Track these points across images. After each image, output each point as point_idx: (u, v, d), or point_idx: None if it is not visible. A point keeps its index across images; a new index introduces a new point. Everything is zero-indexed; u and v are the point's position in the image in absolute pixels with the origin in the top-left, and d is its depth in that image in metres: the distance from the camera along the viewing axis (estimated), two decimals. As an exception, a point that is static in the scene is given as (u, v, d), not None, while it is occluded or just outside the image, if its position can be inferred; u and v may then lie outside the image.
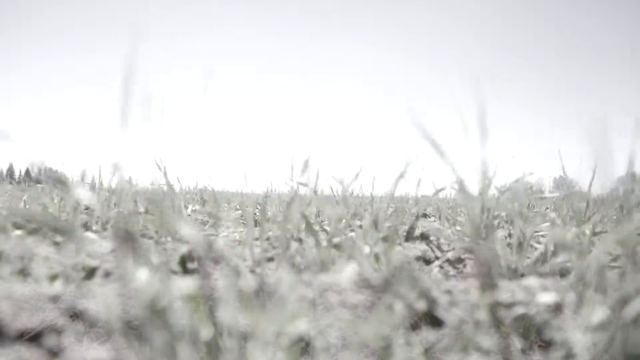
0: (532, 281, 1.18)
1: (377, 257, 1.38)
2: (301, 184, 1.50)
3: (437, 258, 1.80)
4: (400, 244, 1.81)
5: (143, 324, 0.52)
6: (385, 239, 1.75)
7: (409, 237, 2.16)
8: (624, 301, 0.65)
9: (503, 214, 2.07)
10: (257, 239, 1.59)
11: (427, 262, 1.78)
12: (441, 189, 2.10)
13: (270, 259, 1.56)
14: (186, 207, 2.18)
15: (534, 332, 0.76)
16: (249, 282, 0.98)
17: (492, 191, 2.17)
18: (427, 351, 0.78)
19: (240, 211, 2.44)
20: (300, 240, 1.81)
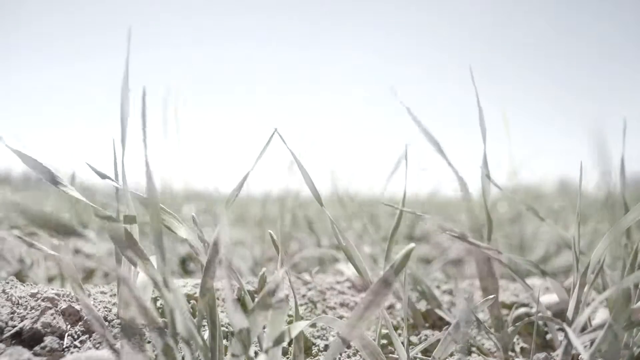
0: (534, 281, 1.18)
1: (376, 257, 1.37)
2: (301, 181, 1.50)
3: (437, 258, 1.79)
4: (399, 245, 1.81)
5: (142, 324, 0.51)
6: (385, 239, 1.75)
7: (410, 237, 2.16)
8: (624, 301, 0.65)
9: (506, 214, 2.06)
10: (257, 239, 1.58)
11: (428, 262, 1.78)
12: (436, 187, 2.11)
13: (271, 259, 1.56)
14: (184, 208, 2.18)
15: (535, 331, 0.76)
16: (249, 282, 0.97)
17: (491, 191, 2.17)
18: (427, 351, 0.78)
19: (240, 212, 2.43)
20: (300, 241, 1.81)
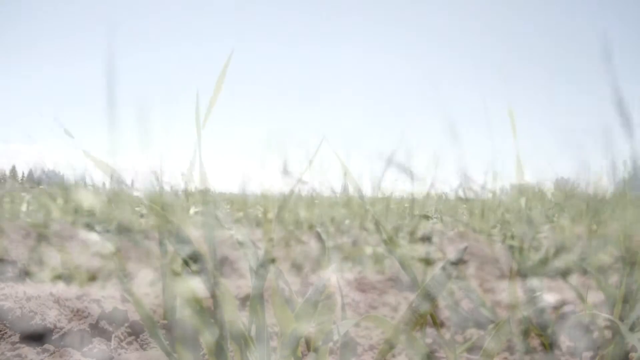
0: (535, 282, 1.18)
1: (379, 258, 1.38)
2: (303, 182, 1.50)
3: (439, 259, 1.79)
4: (402, 246, 1.81)
5: (146, 325, 0.52)
6: (387, 241, 1.75)
7: (412, 238, 2.16)
8: (624, 302, 0.65)
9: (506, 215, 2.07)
10: (259, 240, 1.59)
11: (430, 263, 1.78)
12: (431, 187, 2.11)
13: (273, 260, 1.56)
14: (189, 209, 2.19)
15: (536, 332, 0.76)
16: (252, 283, 0.98)
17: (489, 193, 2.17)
18: (430, 352, 0.78)
19: (242, 213, 2.44)
20: (302, 242, 1.81)
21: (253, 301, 0.67)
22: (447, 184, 2.27)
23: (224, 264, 1.45)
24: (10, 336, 0.65)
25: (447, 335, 0.81)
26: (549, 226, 1.78)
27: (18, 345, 0.64)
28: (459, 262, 1.64)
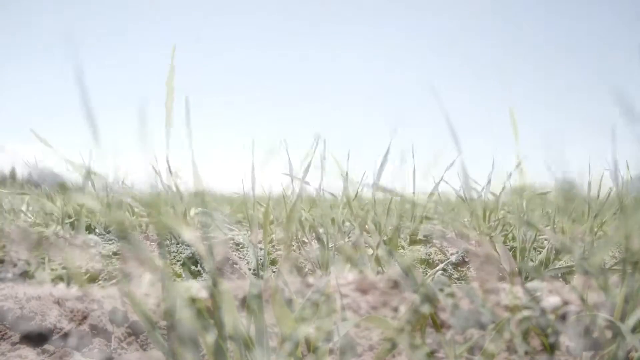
0: (537, 284, 1.18)
1: (380, 260, 1.37)
2: (304, 182, 1.50)
3: (440, 261, 1.79)
4: (403, 247, 1.81)
5: (147, 327, 0.52)
6: (388, 242, 1.75)
7: (412, 240, 2.16)
8: (625, 302, 0.65)
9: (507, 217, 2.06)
10: (260, 241, 1.59)
11: (431, 264, 1.78)
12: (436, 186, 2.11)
13: (274, 262, 1.56)
14: (189, 210, 2.19)
15: (536, 332, 0.76)
16: (252, 285, 0.97)
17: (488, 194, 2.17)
18: (430, 352, 0.78)
19: (242, 214, 2.44)
20: (303, 243, 1.81)
21: (253, 302, 0.66)
22: (449, 185, 2.27)
23: (224, 264, 1.45)
24: (10, 336, 0.65)
25: (448, 336, 0.81)
26: (550, 227, 1.78)
27: (18, 345, 0.64)
28: (459, 263, 1.64)
